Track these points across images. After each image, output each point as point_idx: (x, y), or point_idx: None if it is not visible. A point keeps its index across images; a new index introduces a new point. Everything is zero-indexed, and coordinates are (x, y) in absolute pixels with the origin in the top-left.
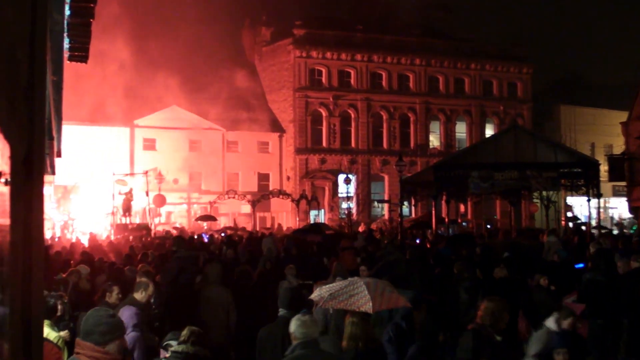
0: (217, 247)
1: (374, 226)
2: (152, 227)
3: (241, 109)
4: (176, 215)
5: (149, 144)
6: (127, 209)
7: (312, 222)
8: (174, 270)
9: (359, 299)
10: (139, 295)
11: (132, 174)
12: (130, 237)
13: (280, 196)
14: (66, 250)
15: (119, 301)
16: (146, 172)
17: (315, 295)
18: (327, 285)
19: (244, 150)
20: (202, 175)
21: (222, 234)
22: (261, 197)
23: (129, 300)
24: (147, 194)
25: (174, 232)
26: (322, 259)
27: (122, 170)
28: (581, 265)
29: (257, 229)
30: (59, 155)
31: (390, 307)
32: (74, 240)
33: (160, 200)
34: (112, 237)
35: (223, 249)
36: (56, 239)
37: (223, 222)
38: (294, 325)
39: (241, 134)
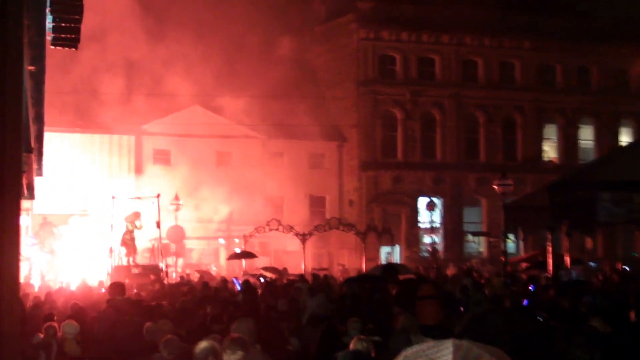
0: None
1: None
2: (173, 269)
3: (287, 110)
4: (198, 253)
5: (162, 157)
6: (124, 244)
7: (383, 262)
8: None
9: None
10: None
11: (138, 198)
12: (134, 287)
13: (341, 227)
14: (50, 300)
15: None
16: (158, 196)
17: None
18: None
19: (290, 166)
20: (234, 199)
21: (261, 279)
22: (314, 229)
23: None
24: (159, 226)
25: (196, 276)
26: (389, 310)
27: (124, 193)
28: None
29: (309, 270)
30: (39, 173)
31: None
32: (56, 287)
33: (178, 234)
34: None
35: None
36: (36, 287)
37: (264, 262)
38: None
39: (287, 144)
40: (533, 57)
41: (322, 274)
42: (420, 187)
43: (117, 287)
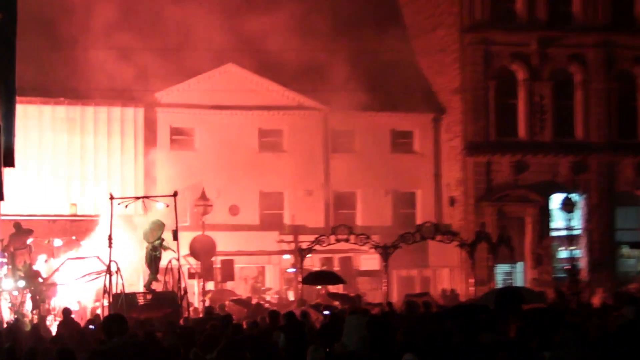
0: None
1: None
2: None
3: (359, 70)
4: (238, 273)
5: (182, 139)
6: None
7: (499, 285)
8: None
9: None
10: None
11: (148, 197)
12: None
13: (438, 237)
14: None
15: None
16: (176, 194)
17: None
18: None
19: (365, 148)
20: (285, 197)
21: (326, 312)
22: (400, 239)
23: None
24: (176, 237)
25: (232, 307)
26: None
27: (129, 190)
28: None
29: (394, 299)
30: (9, 162)
31: None
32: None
33: (207, 247)
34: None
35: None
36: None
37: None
38: None
39: (359, 117)
40: None
41: (420, 301)
42: (552, 178)
43: (114, 324)
